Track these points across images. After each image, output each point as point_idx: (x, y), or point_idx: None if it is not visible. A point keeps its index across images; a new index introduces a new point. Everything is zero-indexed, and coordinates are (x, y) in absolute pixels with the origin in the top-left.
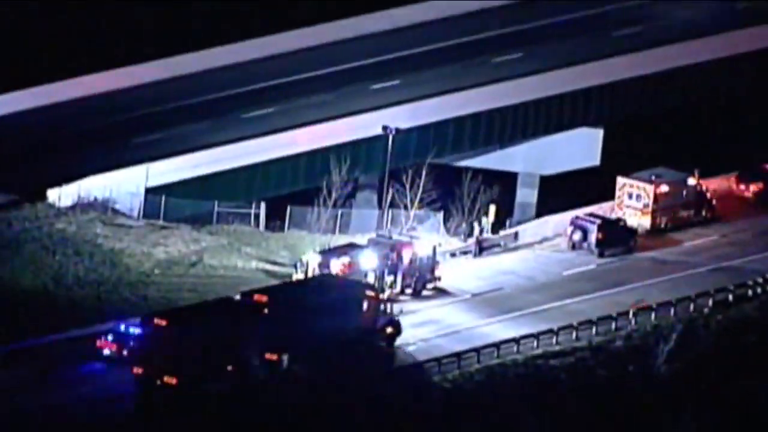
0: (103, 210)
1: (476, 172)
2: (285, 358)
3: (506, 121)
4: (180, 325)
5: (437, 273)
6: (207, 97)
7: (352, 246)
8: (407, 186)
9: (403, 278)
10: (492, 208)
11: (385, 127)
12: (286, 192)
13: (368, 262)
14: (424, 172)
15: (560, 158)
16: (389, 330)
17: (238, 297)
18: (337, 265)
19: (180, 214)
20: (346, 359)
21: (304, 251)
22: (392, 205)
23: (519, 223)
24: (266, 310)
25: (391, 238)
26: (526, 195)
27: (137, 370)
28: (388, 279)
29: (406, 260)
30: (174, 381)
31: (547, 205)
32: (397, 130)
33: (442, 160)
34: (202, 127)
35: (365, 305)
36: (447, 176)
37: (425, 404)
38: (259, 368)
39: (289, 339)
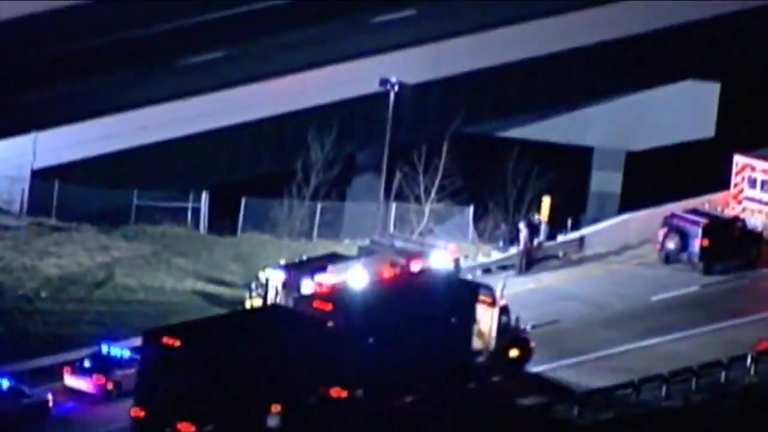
0: None
1: (527, 146)
2: (359, 393)
3: (576, 72)
4: (202, 344)
5: None
6: (126, 34)
7: (333, 257)
8: (420, 168)
9: None
10: (546, 202)
11: (384, 81)
12: (241, 177)
13: (358, 280)
14: (445, 148)
15: (656, 127)
16: (514, 352)
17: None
18: (310, 286)
19: (82, 210)
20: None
21: (264, 265)
22: (400, 196)
23: (593, 222)
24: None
25: (392, 245)
26: (606, 181)
27: (137, 412)
28: None
29: None
30: (193, 429)
31: (635, 196)
32: (402, 86)
33: (476, 129)
34: (119, 79)
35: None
36: (482, 153)
37: None
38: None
39: (370, 366)
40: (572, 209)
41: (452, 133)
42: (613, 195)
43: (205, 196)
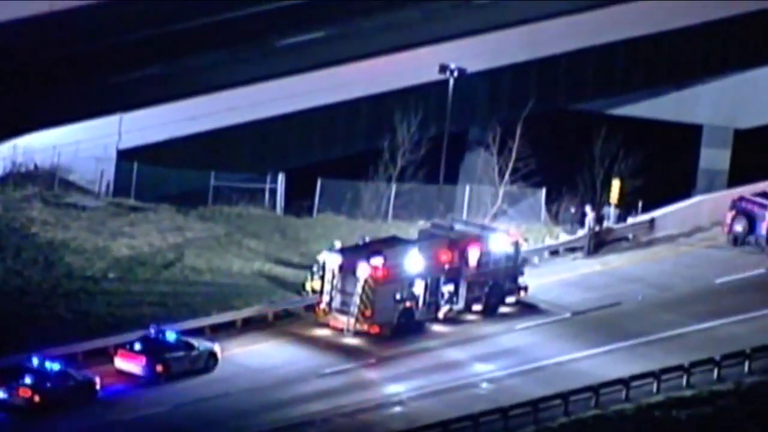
0: (48, 182)
1: (617, 126)
2: None
3: (685, 50)
4: None
5: (522, 281)
6: (219, 17)
7: (392, 241)
8: (494, 150)
9: (469, 289)
10: (615, 185)
11: (444, 67)
12: (322, 158)
13: (414, 264)
14: (518, 130)
15: (764, 105)
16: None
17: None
18: (365, 270)
19: (161, 191)
20: None
21: (324, 248)
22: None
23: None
24: None
25: (452, 228)
26: (715, 158)
27: None
28: (446, 290)
29: (472, 262)
30: None
31: (743, 173)
32: (462, 72)
33: (584, 107)
34: (211, 61)
35: None
36: (569, 132)
37: None
38: None
39: None
40: (680, 187)
41: (525, 114)
42: (722, 172)
43: (281, 177)
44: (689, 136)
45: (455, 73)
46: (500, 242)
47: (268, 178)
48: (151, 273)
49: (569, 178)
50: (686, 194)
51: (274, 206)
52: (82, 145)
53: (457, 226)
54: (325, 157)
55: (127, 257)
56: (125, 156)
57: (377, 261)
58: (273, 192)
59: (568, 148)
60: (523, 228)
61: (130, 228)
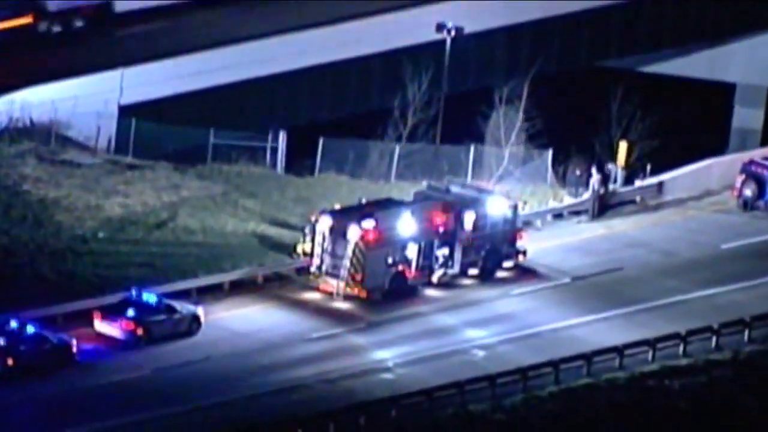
0: (44, 138)
1: (636, 85)
2: None
3: (718, 8)
4: None
5: (520, 244)
6: None
7: (385, 203)
8: (501, 110)
9: (465, 253)
10: (622, 147)
11: (441, 26)
12: (330, 116)
13: (407, 227)
14: (525, 90)
15: None
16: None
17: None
18: (356, 232)
19: (160, 149)
20: None
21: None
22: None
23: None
24: None
25: (448, 191)
26: (747, 117)
27: None
28: (440, 254)
29: (468, 225)
30: None
31: None
32: (459, 31)
33: (617, 65)
34: (212, 17)
35: None
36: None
37: None
38: None
39: None
40: (712, 146)
41: (532, 74)
42: (755, 132)
43: (283, 136)
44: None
45: (452, 32)
46: (498, 205)
47: (270, 137)
48: (142, 233)
49: (584, 140)
50: (703, 156)
51: (274, 165)
52: (81, 101)
53: (454, 189)
54: (335, 115)
55: (119, 216)
56: (127, 112)
57: (368, 224)
58: (274, 151)
59: (586, 108)
60: (527, 190)
61: (125, 186)
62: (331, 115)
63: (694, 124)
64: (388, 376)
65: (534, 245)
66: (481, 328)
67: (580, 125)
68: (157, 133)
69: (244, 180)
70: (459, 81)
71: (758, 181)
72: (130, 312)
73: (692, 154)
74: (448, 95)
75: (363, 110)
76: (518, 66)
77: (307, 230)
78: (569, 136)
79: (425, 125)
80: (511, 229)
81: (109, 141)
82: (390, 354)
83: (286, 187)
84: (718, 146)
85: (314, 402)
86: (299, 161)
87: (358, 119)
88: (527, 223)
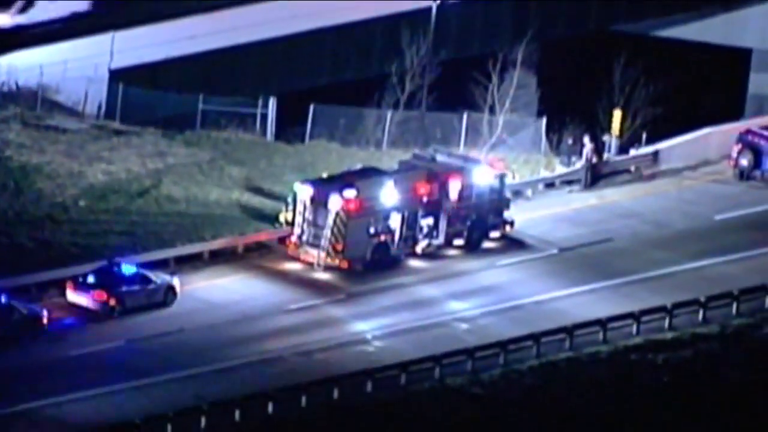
0: (31, 103)
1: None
2: None
3: None
4: None
5: (507, 215)
6: None
7: (368, 172)
8: (495, 76)
9: (450, 223)
10: (616, 115)
11: None
12: (327, 82)
13: (390, 197)
14: (519, 56)
15: None
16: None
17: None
18: (337, 202)
19: (149, 114)
20: None
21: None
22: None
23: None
24: None
25: (433, 160)
26: (763, 83)
27: None
28: (425, 224)
29: (453, 195)
30: None
31: None
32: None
33: (632, 29)
34: None
35: None
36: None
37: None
38: None
39: None
40: (728, 112)
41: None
42: None
43: (273, 102)
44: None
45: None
46: (484, 175)
47: (260, 103)
48: (123, 201)
49: (584, 108)
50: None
51: (264, 132)
52: (71, 65)
53: (440, 158)
54: (333, 81)
55: (102, 184)
56: (118, 76)
57: (350, 193)
58: (264, 117)
59: (590, 75)
60: (520, 159)
61: (110, 153)
62: (330, 81)
63: (708, 90)
64: (366, 348)
65: (523, 215)
66: (465, 300)
67: (582, 92)
68: (146, 98)
69: (233, 147)
70: (464, 46)
71: (755, 150)
72: (103, 282)
73: (705, 121)
74: (451, 60)
75: (362, 76)
76: (525, 31)
77: (289, 199)
78: (569, 104)
79: (428, 92)
80: (498, 199)
81: (99, 106)
82: (369, 326)
83: (274, 155)
84: (733, 113)
85: (288, 375)
86: (290, 128)
87: (353, 86)
88: (517, 193)
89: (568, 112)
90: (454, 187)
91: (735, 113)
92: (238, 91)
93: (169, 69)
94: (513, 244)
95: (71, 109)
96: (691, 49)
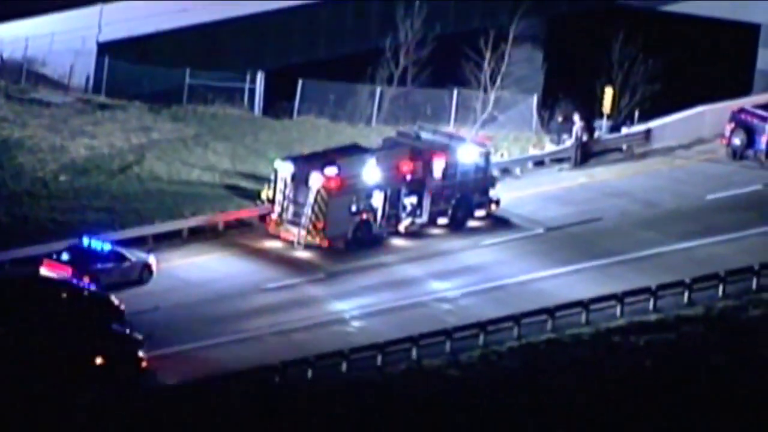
0: (15, 75)
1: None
2: None
3: None
4: None
5: (493, 193)
6: None
7: (351, 149)
8: (488, 52)
9: (434, 202)
10: (608, 93)
11: None
12: (322, 57)
13: (372, 174)
14: (511, 33)
15: None
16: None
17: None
18: (317, 179)
19: (135, 88)
20: None
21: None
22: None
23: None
24: None
25: (418, 137)
26: None
27: None
28: (408, 202)
29: (437, 173)
30: None
31: None
32: None
33: (640, 4)
34: None
35: None
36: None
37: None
38: None
39: None
40: (737, 89)
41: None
42: None
43: (261, 77)
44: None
45: None
46: (469, 153)
47: (248, 78)
48: (105, 176)
49: (582, 85)
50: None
51: (252, 107)
52: (58, 38)
53: (424, 135)
54: (327, 56)
55: (84, 158)
56: (106, 49)
57: (331, 170)
58: (252, 93)
59: (590, 51)
60: (511, 136)
61: (94, 127)
62: (323, 56)
63: (715, 66)
64: (343, 328)
65: (511, 194)
66: (447, 280)
67: (584, 70)
68: (133, 72)
69: (219, 122)
70: (463, 20)
71: (748, 129)
72: (77, 259)
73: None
74: (447, 35)
75: (355, 51)
76: (527, 5)
77: (272, 177)
78: (566, 81)
79: (417, 68)
80: (484, 178)
81: (87, 80)
82: (348, 306)
83: (261, 131)
84: (742, 89)
85: (263, 355)
86: (278, 104)
87: (346, 61)
88: (506, 171)
89: (565, 89)
90: (438, 165)
91: (743, 89)
92: (227, 66)
93: (159, 42)
94: (498, 223)
95: (57, 83)
96: (699, 25)
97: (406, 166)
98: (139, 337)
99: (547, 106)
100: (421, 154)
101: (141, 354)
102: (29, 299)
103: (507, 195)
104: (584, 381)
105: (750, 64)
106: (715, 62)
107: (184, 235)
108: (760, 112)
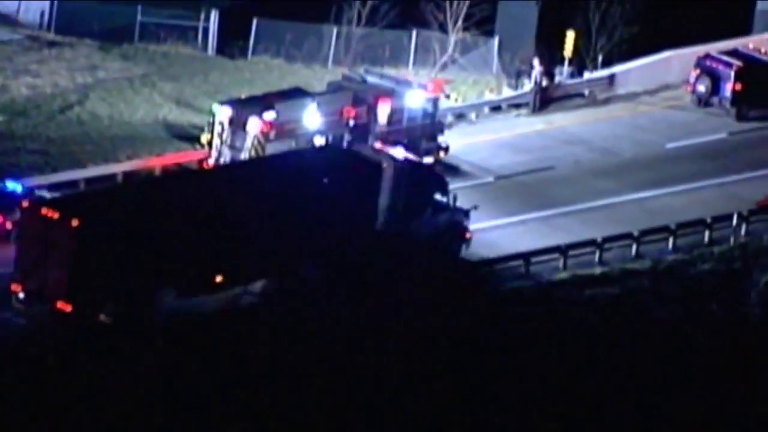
0: None
1: None
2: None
3: None
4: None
5: (441, 140)
6: None
7: (292, 93)
8: None
9: None
10: (569, 36)
11: None
12: None
13: (313, 120)
14: None
15: None
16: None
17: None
18: (255, 124)
19: (86, 26)
20: None
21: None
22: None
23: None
24: None
25: (363, 81)
26: None
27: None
28: None
29: (382, 119)
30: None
31: None
32: None
33: None
34: None
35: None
36: None
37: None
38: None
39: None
40: (735, 29)
41: None
42: None
43: (215, 15)
44: None
45: None
46: (416, 98)
47: (202, 16)
48: (44, 117)
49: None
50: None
51: (205, 47)
52: None
53: (371, 79)
54: None
55: (25, 98)
56: None
57: (269, 115)
58: (206, 31)
59: None
60: (470, 80)
61: (39, 65)
62: None
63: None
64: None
65: (464, 140)
66: None
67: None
68: (85, 9)
69: (170, 62)
70: None
71: (713, 76)
72: (1, 205)
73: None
74: None
75: None
76: None
77: (211, 119)
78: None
79: (386, 7)
80: (431, 124)
81: (42, 16)
82: None
83: (212, 71)
84: (741, 30)
85: None
86: (233, 43)
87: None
88: (461, 116)
89: (529, 31)
90: (383, 111)
91: (742, 30)
92: (181, 3)
93: None
94: (446, 170)
95: (7, 18)
96: None
97: (350, 111)
98: (465, 208)
99: (510, 49)
100: (366, 99)
101: (466, 224)
102: None
103: (460, 141)
104: (525, 336)
105: (750, 3)
106: (713, 1)
107: (119, 179)
108: (725, 58)
